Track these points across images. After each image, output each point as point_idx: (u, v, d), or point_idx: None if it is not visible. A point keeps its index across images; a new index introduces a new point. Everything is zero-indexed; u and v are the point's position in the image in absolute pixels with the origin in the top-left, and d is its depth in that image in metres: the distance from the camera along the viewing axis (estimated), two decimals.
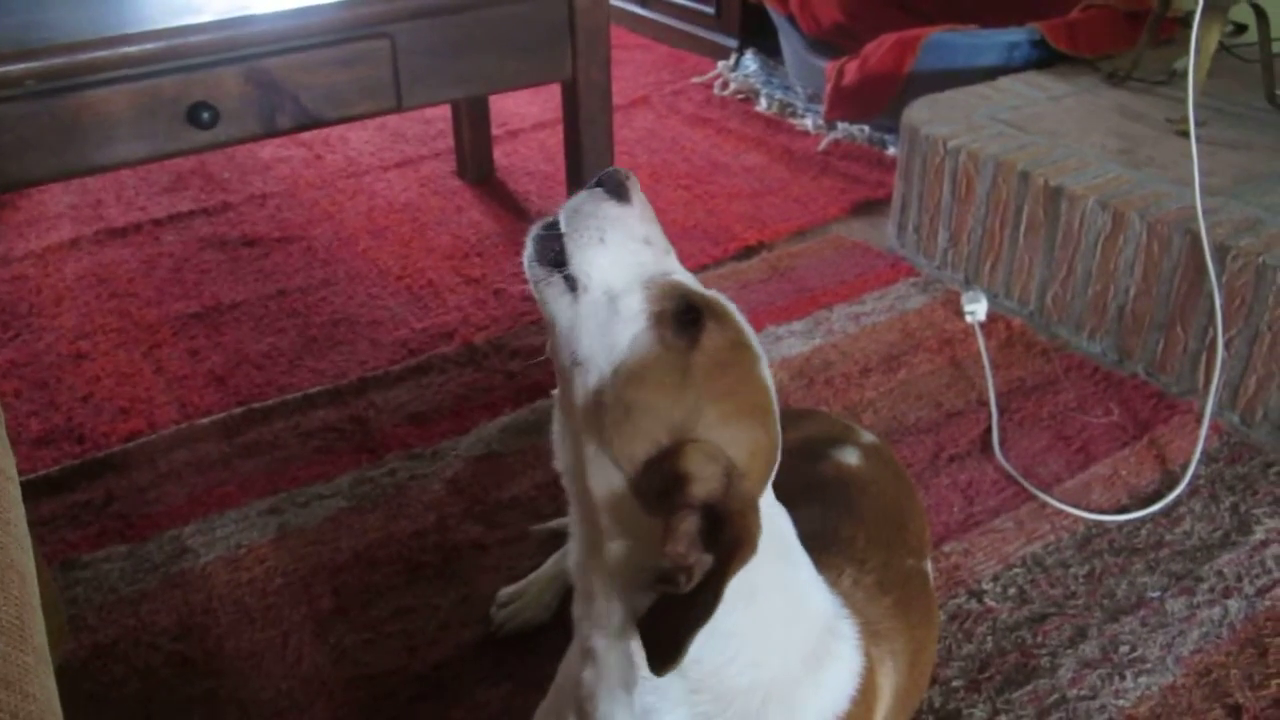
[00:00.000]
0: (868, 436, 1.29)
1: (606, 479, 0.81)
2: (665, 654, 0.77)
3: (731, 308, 0.85)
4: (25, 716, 0.55)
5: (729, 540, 0.76)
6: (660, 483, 0.78)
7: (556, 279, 0.84)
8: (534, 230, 0.86)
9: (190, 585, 1.38)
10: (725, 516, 0.76)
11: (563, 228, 0.84)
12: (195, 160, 2.53)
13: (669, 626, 0.77)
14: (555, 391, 0.87)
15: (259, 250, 2.17)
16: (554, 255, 0.84)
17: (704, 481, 0.77)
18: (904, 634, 1.04)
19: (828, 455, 1.22)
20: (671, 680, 0.83)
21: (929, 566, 1.17)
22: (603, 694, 0.86)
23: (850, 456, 1.23)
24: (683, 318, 0.81)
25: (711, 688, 0.84)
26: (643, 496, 0.79)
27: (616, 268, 0.83)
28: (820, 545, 1.03)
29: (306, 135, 2.63)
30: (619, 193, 0.86)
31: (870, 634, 0.97)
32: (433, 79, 1.73)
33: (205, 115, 1.56)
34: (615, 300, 0.82)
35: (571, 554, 0.88)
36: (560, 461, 0.87)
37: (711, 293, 0.85)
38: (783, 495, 0.89)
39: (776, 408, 0.84)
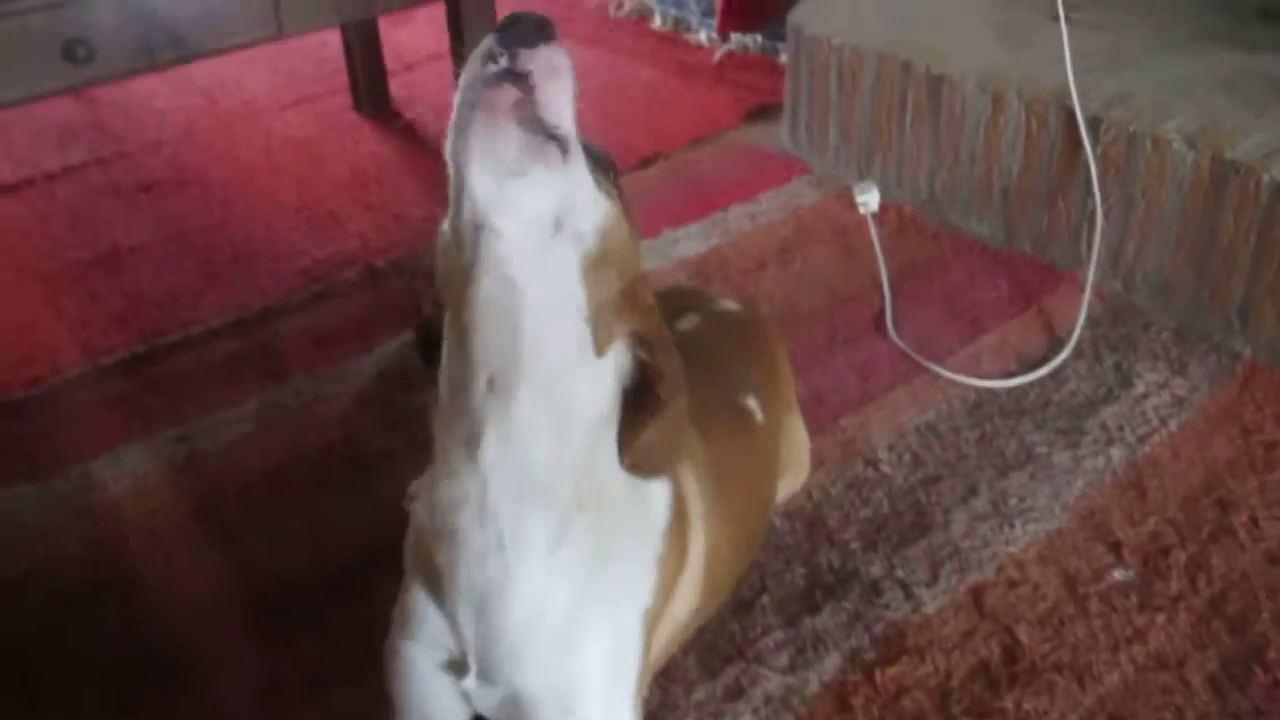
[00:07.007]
0: (725, 304, 1.31)
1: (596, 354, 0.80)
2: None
3: None
4: None
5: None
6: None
7: (551, 146, 0.71)
8: (494, 99, 0.70)
9: (100, 516, 1.38)
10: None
11: (540, 94, 0.70)
12: (88, 113, 2.48)
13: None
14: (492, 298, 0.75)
15: (156, 195, 2.14)
16: (531, 118, 0.70)
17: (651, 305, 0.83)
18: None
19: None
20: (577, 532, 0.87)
21: (753, 403, 1.18)
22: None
23: (686, 323, 1.22)
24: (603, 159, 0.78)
25: (595, 497, 0.87)
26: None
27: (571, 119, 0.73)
28: None
29: (202, 82, 2.59)
30: (547, 32, 0.71)
31: None
32: (312, 2, 1.71)
33: (80, 50, 1.54)
34: (579, 156, 0.74)
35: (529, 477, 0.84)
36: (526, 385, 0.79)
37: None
38: None
39: None
